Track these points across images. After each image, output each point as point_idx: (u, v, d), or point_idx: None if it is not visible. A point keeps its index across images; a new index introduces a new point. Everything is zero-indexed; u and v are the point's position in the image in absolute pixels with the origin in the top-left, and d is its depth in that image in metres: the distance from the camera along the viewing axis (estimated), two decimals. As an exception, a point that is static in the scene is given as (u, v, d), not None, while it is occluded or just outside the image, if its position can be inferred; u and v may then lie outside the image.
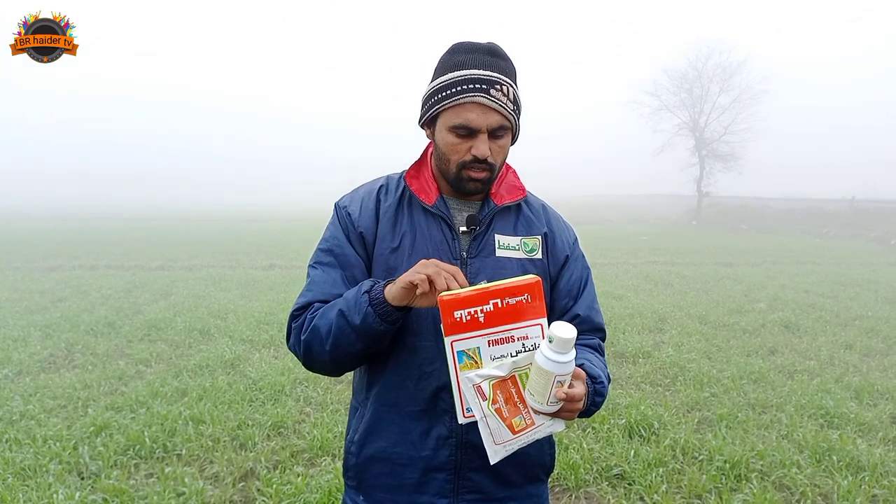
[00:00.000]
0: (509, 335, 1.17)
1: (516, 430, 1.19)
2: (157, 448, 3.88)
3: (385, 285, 1.26)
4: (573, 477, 3.57)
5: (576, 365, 1.29)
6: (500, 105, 1.30)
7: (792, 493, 3.50)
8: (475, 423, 1.21)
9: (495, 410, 1.18)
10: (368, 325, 1.25)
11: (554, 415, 1.19)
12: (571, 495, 3.45)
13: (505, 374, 1.17)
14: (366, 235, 1.41)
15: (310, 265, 1.45)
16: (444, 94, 1.33)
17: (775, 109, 39.93)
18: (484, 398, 1.18)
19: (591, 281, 1.55)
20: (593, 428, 4.27)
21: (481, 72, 1.31)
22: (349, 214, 1.44)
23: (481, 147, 1.31)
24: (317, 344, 1.32)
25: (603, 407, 4.55)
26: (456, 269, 1.20)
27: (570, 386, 1.16)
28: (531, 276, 1.18)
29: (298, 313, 1.40)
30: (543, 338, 1.18)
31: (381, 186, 1.48)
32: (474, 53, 1.33)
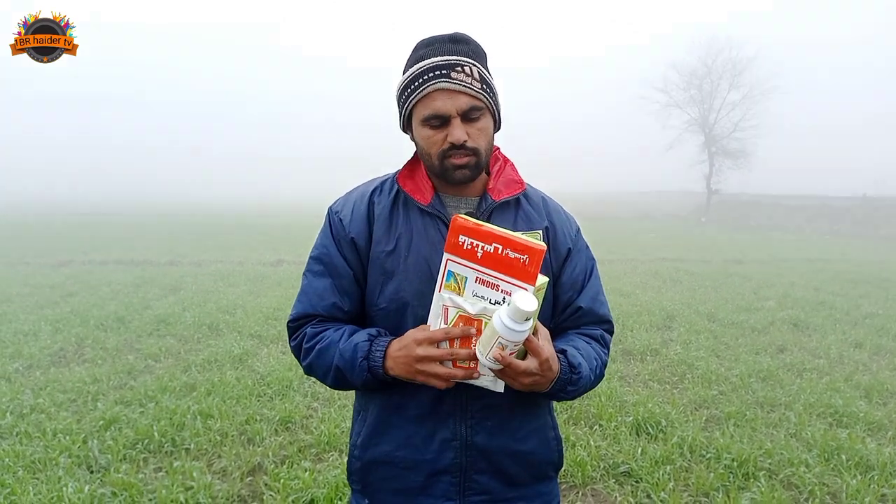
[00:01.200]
0: (496, 283, 1.17)
1: (456, 365, 1.22)
2: (166, 442, 3.91)
3: (386, 348, 1.28)
4: (580, 474, 3.57)
5: (561, 349, 1.30)
6: (465, 86, 1.28)
7: (800, 491, 3.48)
8: (474, 402, 1.35)
9: (448, 339, 1.21)
10: (367, 385, 1.32)
11: (497, 373, 1.20)
12: (578, 492, 3.45)
13: (474, 312, 1.18)
14: (357, 241, 1.39)
15: (303, 272, 1.45)
16: (409, 90, 1.32)
17: (785, 105, 39.66)
18: (445, 322, 1.21)
19: (595, 272, 1.52)
20: (600, 425, 4.27)
21: (440, 58, 1.29)
22: (341, 220, 1.42)
23: (455, 132, 1.28)
24: (318, 377, 1.39)
25: (610, 404, 4.58)
26: (448, 353, 1.20)
27: (516, 356, 1.16)
28: (541, 242, 1.15)
29: (294, 325, 1.43)
30: None
31: (374, 189, 1.45)
32: (434, 45, 1.32)
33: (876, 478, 3.57)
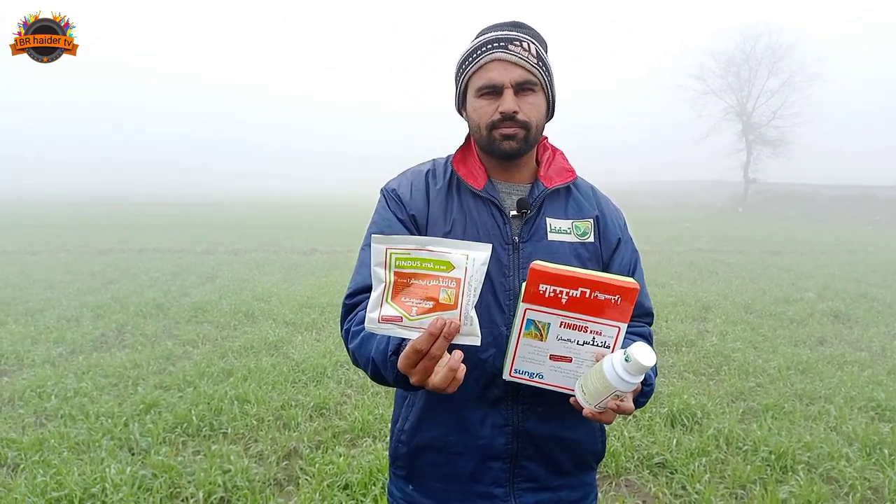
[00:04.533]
0: (584, 325, 1.14)
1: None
2: (204, 426, 3.99)
3: None
4: (614, 465, 3.54)
5: None
6: (521, 59, 1.29)
7: (840, 486, 3.41)
8: (524, 387, 1.26)
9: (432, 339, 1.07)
10: (401, 384, 1.20)
11: (594, 416, 1.18)
12: (612, 482, 3.43)
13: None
14: (418, 218, 1.37)
15: (361, 247, 1.39)
16: (466, 63, 1.34)
17: (827, 91, 38.57)
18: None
19: (640, 265, 1.51)
20: (634, 416, 4.23)
21: (499, 33, 1.32)
22: (399, 197, 1.40)
23: (507, 102, 1.28)
24: (361, 366, 1.29)
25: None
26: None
27: (622, 400, 1.15)
28: (632, 280, 1.13)
29: (350, 303, 1.35)
30: (617, 342, 1.16)
31: (428, 171, 1.45)
32: (495, 26, 1.35)
33: (920, 473, 3.48)
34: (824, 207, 30.47)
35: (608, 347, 1.16)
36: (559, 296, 1.12)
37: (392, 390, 4.65)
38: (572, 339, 1.16)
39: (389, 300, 1.03)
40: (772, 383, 5.05)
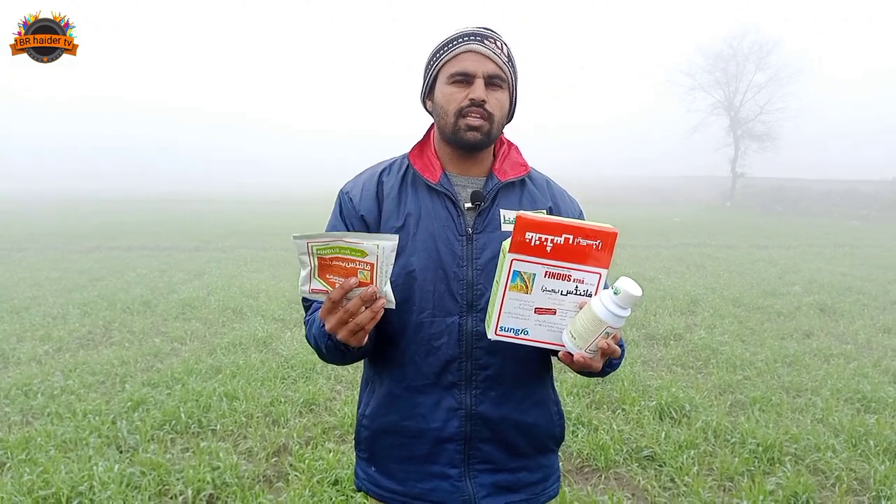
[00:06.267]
0: (567, 273, 1.17)
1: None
2: (193, 423, 3.97)
3: None
4: (603, 458, 3.56)
5: None
6: (495, 54, 1.36)
7: (827, 477, 3.44)
8: (478, 372, 1.37)
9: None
10: (341, 353, 1.31)
11: (580, 361, 1.20)
12: (601, 475, 3.45)
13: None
14: (367, 218, 1.43)
15: None
16: (441, 51, 1.40)
17: (812, 86, 38.79)
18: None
19: None
20: (623, 409, 4.25)
21: (476, 28, 1.39)
22: (350, 199, 1.46)
23: (478, 90, 1.34)
24: (316, 351, 1.41)
25: (632, 388, 4.56)
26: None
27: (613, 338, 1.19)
28: (611, 226, 1.17)
29: (306, 304, 1.47)
30: (598, 288, 1.19)
31: (383, 169, 1.50)
32: (466, 29, 1.42)
33: (905, 464, 3.53)
34: (811, 202, 30.68)
35: (590, 296, 1.20)
36: (544, 244, 1.16)
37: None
38: (556, 290, 1.19)
39: (316, 276, 1.16)
40: (759, 376, 5.09)
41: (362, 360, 1.49)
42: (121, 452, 3.60)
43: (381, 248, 1.11)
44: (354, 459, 1.62)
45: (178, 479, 3.26)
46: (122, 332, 6.27)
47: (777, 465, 3.54)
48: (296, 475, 3.36)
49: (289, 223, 21.06)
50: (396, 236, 1.13)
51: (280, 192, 52.36)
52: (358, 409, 1.54)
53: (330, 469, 3.36)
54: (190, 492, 3.14)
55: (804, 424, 4.09)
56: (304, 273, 1.17)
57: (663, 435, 3.84)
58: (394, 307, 1.19)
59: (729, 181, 37.30)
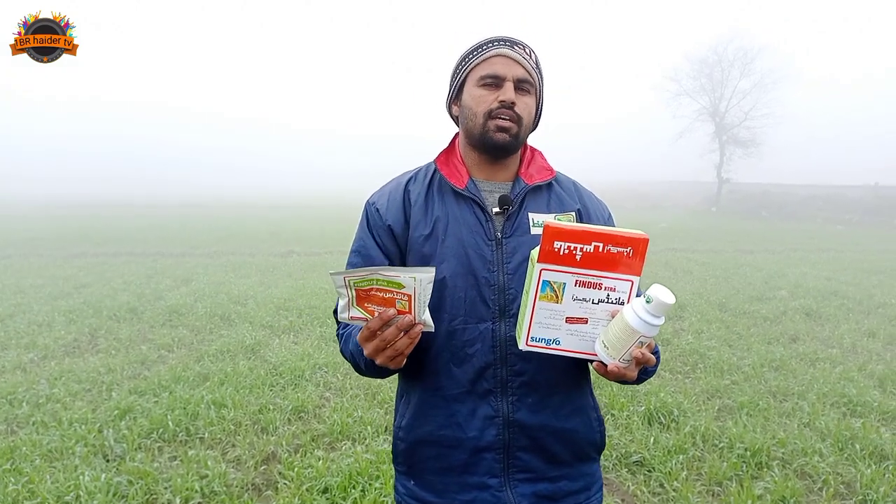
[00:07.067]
0: (598, 282, 1.16)
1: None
2: (180, 431, 3.94)
3: None
4: (592, 463, 3.56)
5: None
6: (524, 59, 1.38)
7: (814, 481, 3.47)
8: (514, 379, 1.35)
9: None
10: (378, 370, 1.32)
11: (615, 371, 1.18)
12: (591, 481, 3.45)
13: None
14: (394, 228, 1.43)
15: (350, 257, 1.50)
16: (469, 57, 1.42)
17: (797, 92, 39.19)
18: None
19: None
20: (612, 415, 4.27)
21: (504, 35, 1.41)
22: (377, 210, 1.46)
23: (507, 92, 1.36)
24: (353, 366, 1.43)
25: (621, 394, 4.57)
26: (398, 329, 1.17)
27: (647, 347, 1.17)
28: (641, 232, 1.16)
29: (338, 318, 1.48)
30: (631, 296, 1.17)
31: (409, 178, 1.50)
32: (495, 35, 1.43)
33: (891, 467, 3.56)
34: (795, 207, 30.96)
35: (622, 304, 1.17)
36: (573, 252, 1.14)
37: (372, 392, 4.65)
38: (587, 298, 1.17)
39: (355, 305, 1.17)
40: (746, 381, 5.13)
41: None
42: (107, 461, 3.56)
43: (419, 280, 1.11)
44: (393, 474, 1.60)
45: (165, 488, 3.24)
46: (109, 340, 6.21)
47: (765, 469, 3.57)
48: (285, 483, 3.34)
49: (288, 224, 20.98)
50: (433, 269, 1.13)
51: (281, 194, 52.14)
52: (394, 421, 1.52)
53: (319, 477, 3.34)
54: (178, 501, 3.12)
55: (791, 429, 4.12)
56: (342, 302, 1.18)
57: (652, 440, 3.85)
58: (432, 330, 1.20)
59: (714, 186, 37.55)
